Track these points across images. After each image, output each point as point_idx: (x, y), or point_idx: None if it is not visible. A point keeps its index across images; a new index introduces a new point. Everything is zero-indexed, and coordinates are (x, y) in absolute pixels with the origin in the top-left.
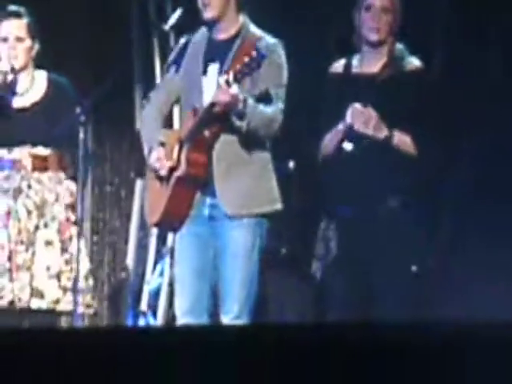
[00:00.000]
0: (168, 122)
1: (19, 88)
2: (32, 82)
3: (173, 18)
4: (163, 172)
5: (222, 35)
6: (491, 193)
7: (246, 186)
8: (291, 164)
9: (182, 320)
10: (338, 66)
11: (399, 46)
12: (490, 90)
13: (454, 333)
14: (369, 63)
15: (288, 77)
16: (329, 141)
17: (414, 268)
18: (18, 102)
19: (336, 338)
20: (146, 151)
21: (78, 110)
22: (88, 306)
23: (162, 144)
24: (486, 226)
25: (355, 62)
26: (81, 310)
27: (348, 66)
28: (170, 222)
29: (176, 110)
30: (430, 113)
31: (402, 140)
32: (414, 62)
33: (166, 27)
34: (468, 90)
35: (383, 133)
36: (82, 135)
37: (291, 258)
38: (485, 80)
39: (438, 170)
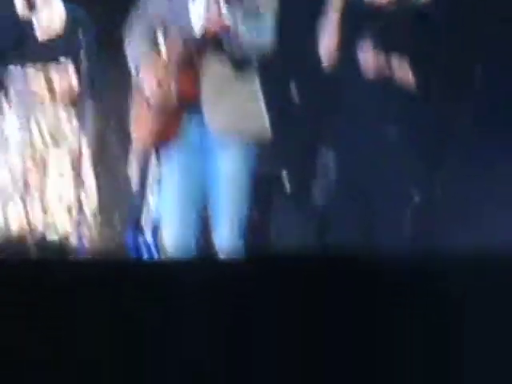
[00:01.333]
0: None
1: (42, 21)
2: (50, 13)
3: None
4: (151, 93)
5: None
6: (497, 122)
7: (234, 108)
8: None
9: (170, 247)
10: None
11: None
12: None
13: (455, 262)
14: None
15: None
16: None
17: (415, 197)
18: (38, 33)
19: (334, 267)
20: (133, 71)
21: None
22: (92, 237)
23: (151, 67)
24: (492, 157)
25: None
26: (87, 237)
27: None
28: (159, 144)
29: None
30: (434, 48)
31: (406, 74)
32: None
33: None
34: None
35: (386, 70)
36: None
37: (288, 184)
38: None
39: (440, 102)
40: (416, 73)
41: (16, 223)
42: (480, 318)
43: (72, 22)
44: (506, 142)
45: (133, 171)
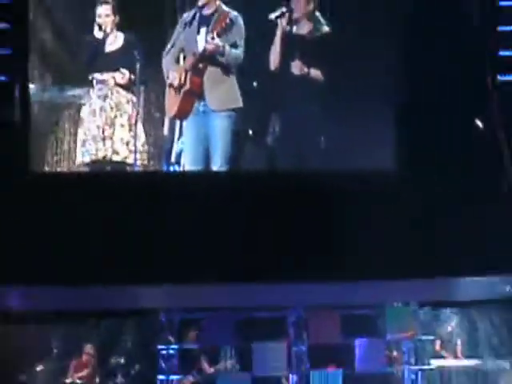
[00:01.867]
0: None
1: (109, 41)
2: (115, 38)
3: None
4: (176, 86)
5: (207, 11)
6: None
7: (223, 93)
8: None
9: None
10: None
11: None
12: None
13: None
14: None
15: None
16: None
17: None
18: (108, 48)
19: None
20: (165, 75)
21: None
22: (143, 161)
23: (175, 71)
24: None
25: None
26: (139, 162)
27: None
28: (180, 116)
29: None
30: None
31: (318, 75)
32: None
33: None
34: None
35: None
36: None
37: (253, 136)
38: None
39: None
40: (325, 74)
41: (101, 153)
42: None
43: (128, 44)
44: None
45: (166, 127)
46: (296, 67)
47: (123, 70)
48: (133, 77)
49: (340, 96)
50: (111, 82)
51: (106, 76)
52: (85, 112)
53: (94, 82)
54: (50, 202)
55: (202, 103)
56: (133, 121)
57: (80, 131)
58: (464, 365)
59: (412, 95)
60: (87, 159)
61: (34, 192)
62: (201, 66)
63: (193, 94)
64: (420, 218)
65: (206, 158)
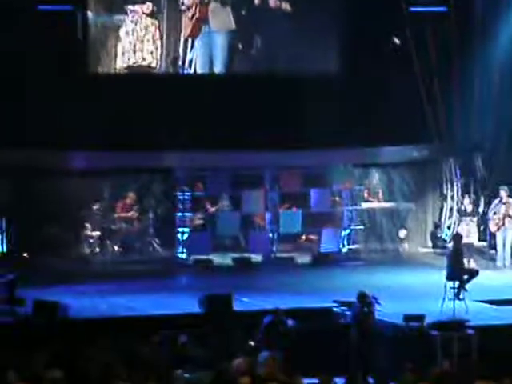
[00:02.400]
0: None
1: None
2: None
3: None
4: (189, 15)
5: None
6: None
7: (222, 19)
8: None
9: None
10: None
11: None
12: None
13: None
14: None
15: None
16: None
17: None
18: None
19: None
20: (180, 5)
21: None
22: (164, 66)
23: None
24: None
25: None
26: (162, 66)
27: None
28: (193, 35)
29: None
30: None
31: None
32: None
33: None
34: None
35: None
36: None
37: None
38: None
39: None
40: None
41: (133, 60)
42: None
43: None
44: None
45: (181, 44)
46: (272, 2)
47: (148, 3)
48: (155, 8)
49: (302, 20)
50: (140, 12)
51: (137, 7)
52: (122, 32)
53: (128, 11)
54: (102, 93)
55: (207, 26)
56: (156, 38)
57: (119, 45)
58: (384, 206)
59: (354, 19)
60: (125, 65)
61: (91, 85)
62: (206, 0)
63: (201, 20)
64: (336, 107)
65: (210, 64)
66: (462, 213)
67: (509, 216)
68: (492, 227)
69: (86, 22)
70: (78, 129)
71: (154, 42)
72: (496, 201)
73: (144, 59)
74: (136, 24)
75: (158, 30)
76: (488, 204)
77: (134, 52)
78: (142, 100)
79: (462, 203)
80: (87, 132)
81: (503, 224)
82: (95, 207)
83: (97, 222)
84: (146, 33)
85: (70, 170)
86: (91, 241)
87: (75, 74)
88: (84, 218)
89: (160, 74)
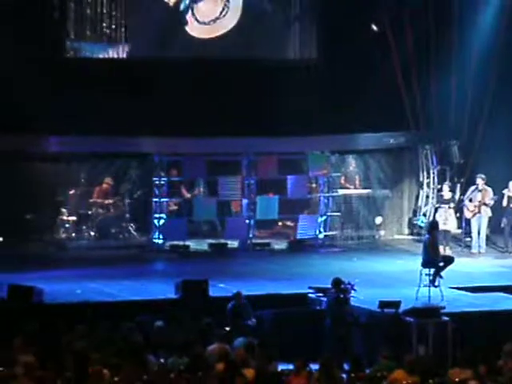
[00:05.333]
0: None
1: None
2: None
3: None
4: None
5: None
6: None
7: None
8: None
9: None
10: None
11: None
12: None
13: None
14: None
15: None
16: None
17: None
18: None
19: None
20: None
21: None
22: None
23: None
24: None
25: None
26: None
27: None
28: None
29: None
30: None
31: None
32: None
33: None
34: None
35: None
36: None
37: None
38: None
39: None
40: None
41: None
42: None
43: None
44: None
45: None
46: None
47: None
48: None
49: (280, 8)
50: None
51: None
52: None
53: None
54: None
55: None
56: None
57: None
58: (360, 193)
59: (332, 7)
60: None
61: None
62: None
63: None
64: (314, 94)
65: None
66: (440, 200)
67: (484, 204)
68: (467, 214)
69: None
70: (53, 113)
71: None
72: (472, 188)
73: None
74: None
75: None
76: (464, 191)
77: None
78: (117, 86)
79: (440, 190)
80: (62, 117)
81: (479, 211)
82: (71, 192)
83: (73, 206)
84: None
85: (46, 155)
86: (67, 226)
87: (48, 59)
88: (60, 202)
89: (136, 59)
